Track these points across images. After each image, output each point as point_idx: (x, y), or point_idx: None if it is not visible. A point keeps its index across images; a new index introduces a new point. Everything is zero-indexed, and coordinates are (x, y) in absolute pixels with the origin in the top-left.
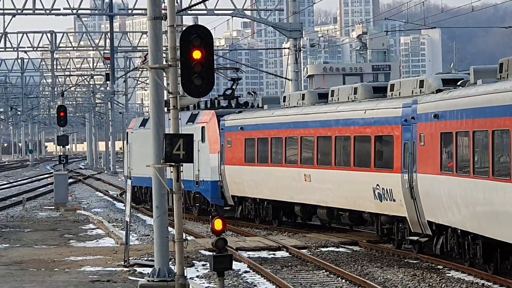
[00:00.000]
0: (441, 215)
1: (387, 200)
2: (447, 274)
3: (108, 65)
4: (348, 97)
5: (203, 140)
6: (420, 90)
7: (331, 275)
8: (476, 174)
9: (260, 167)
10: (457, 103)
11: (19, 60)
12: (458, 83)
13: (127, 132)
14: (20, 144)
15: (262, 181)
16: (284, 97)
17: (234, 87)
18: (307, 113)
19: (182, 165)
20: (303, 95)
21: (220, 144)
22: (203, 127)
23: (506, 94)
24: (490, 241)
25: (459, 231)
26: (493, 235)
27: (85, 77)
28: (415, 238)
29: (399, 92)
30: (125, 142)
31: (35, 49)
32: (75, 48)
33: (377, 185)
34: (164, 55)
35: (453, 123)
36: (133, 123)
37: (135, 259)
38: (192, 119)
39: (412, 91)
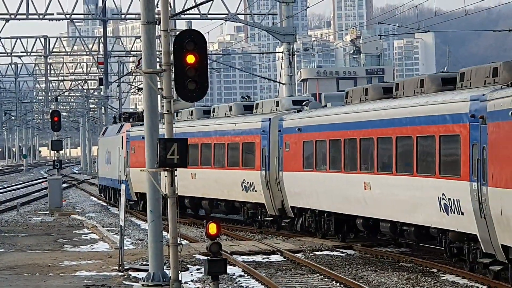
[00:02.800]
0: (303, 201)
1: (251, 191)
2: (442, 278)
3: (102, 69)
4: (225, 113)
5: (122, 147)
6: (277, 109)
7: (326, 279)
8: (332, 170)
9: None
10: (317, 120)
11: (13, 65)
12: (303, 103)
13: (98, 139)
14: (14, 149)
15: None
16: (177, 113)
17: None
18: (193, 126)
19: (176, 170)
20: (192, 111)
21: (125, 151)
22: (122, 137)
23: (353, 114)
24: (340, 217)
25: (317, 211)
26: (344, 210)
27: (79, 82)
28: (270, 218)
29: (262, 110)
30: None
31: (28, 54)
32: (68, 53)
33: (244, 179)
34: (157, 59)
35: (314, 134)
36: (102, 131)
37: (130, 263)
38: (119, 129)
39: (271, 109)
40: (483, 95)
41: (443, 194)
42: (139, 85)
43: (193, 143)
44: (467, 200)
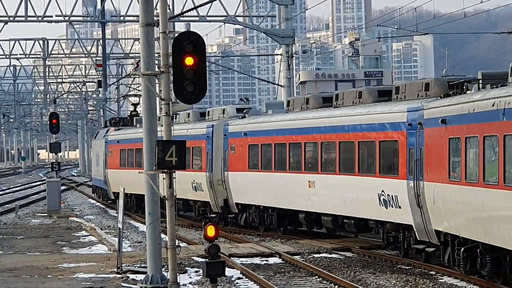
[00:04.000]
0: (247, 198)
1: (199, 190)
2: (440, 280)
3: (100, 72)
4: (184, 120)
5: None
6: (223, 116)
7: (324, 281)
8: (277, 170)
9: (125, 170)
10: (263, 125)
11: (11, 67)
12: (245, 111)
13: (91, 142)
14: (12, 151)
15: (128, 179)
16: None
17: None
18: (192, 127)
19: (175, 172)
20: (158, 118)
21: (104, 153)
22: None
23: (298, 121)
24: (282, 212)
25: (261, 207)
26: (288, 206)
27: (77, 84)
28: (214, 215)
29: (212, 117)
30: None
31: (27, 56)
32: (67, 55)
33: (194, 180)
34: (156, 61)
35: (259, 138)
36: (95, 134)
37: (128, 266)
38: (105, 133)
39: (219, 116)
40: (421, 105)
41: (382, 191)
42: (138, 87)
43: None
44: (404, 195)
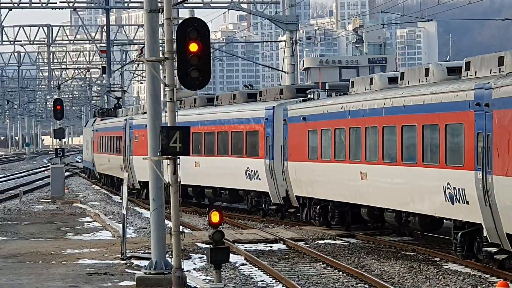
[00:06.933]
0: (147, 176)
1: (122, 171)
2: (444, 266)
3: (105, 58)
4: (127, 114)
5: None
6: (137, 112)
7: (328, 268)
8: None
9: (100, 154)
10: (181, 118)
11: (16, 54)
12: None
13: (83, 129)
14: (16, 138)
15: (102, 162)
16: (124, 110)
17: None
18: (117, 121)
19: (179, 158)
20: (129, 109)
21: (92, 140)
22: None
23: (187, 116)
24: (187, 188)
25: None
26: (194, 183)
27: (82, 70)
28: (133, 190)
29: (130, 113)
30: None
31: (31, 42)
32: (71, 42)
33: (120, 163)
34: (160, 48)
35: None
36: (85, 123)
37: (132, 251)
38: (93, 122)
39: (132, 111)
40: (276, 105)
41: (248, 167)
42: (142, 73)
43: (104, 135)
44: (262, 170)
